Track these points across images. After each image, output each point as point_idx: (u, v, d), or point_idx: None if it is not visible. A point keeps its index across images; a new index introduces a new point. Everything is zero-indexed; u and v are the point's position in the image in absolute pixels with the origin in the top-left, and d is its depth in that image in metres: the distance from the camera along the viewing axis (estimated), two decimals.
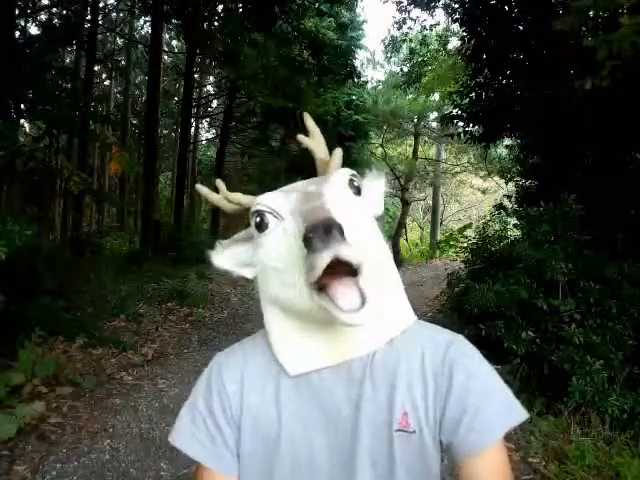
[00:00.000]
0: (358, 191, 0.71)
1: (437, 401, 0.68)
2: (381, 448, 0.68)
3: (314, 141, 0.85)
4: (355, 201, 0.70)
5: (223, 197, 0.82)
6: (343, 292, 0.58)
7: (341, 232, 0.56)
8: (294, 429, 0.71)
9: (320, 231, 0.55)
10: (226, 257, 0.77)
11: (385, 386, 0.69)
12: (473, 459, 0.65)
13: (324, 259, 0.54)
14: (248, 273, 0.76)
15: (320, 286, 0.58)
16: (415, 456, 0.68)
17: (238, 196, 0.79)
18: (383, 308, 0.70)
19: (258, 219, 0.69)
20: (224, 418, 0.74)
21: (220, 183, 0.85)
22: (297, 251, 0.61)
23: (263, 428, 0.72)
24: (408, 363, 0.70)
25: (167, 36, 16.42)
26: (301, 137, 0.85)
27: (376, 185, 0.79)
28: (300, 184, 0.72)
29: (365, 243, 0.64)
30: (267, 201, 0.69)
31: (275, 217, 0.68)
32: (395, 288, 0.75)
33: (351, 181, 0.71)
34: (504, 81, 6.09)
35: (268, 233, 0.68)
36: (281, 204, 0.68)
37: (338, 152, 0.82)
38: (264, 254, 0.69)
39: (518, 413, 0.67)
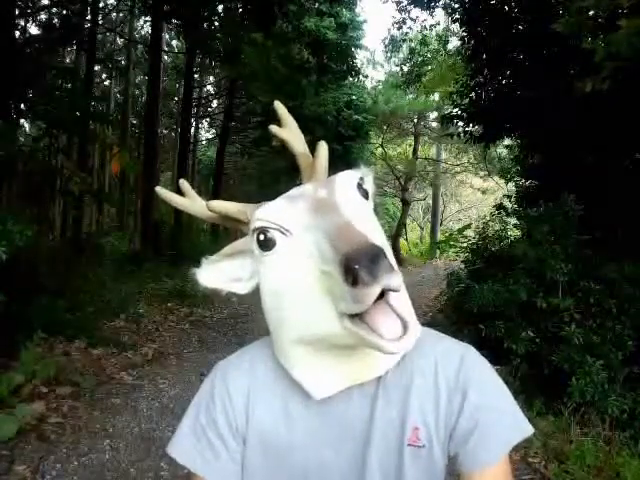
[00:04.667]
0: (366, 194, 0.67)
1: (449, 416, 0.68)
2: (391, 462, 0.68)
3: (289, 132, 0.77)
4: (364, 206, 0.65)
5: (192, 201, 0.76)
6: (384, 319, 0.54)
7: (386, 258, 0.50)
8: (305, 445, 0.70)
9: (365, 262, 0.48)
10: (215, 274, 0.70)
11: (398, 401, 0.69)
12: (479, 472, 0.66)
13: (374, 292, 0.49)
14: (241, 289, 0.71)
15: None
16: (424, 469, 0.68)
17: (224, 204, 0.70)
18: None
19: (262, 237, 0.61)
20: (229, 430, 0.71)
21: (185, 185, 0.78)
22: (314, 272, 0.56)
23: (272, 443, 0.71)
24: (421, 378, 0.70)
25: (167, 36, 16.40)
26: (274, 128, 0.76)
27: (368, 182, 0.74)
28: (303, 189, 0.65)
29: None
30: (271, 215, 0.61)
31: (282, 233, 0.60)
32: (406, 296, 0.69)
33: (359, 184, 0.66)
34: (504, 81, 6.09)
35: (275, 252, 0.61)
36: (288, 218, 0.60)
37: (323, 146, 0.74)
38: (272, 276, 0.63)
39: (525, 429, 0.68)
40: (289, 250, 0.60)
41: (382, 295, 0.52)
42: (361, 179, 0.67)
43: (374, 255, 0.49)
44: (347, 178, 0.65)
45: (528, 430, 0.68)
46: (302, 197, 0.62)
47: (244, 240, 0.71)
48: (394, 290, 0.51)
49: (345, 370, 0.66)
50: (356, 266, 0.48)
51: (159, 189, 0.77)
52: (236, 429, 0.71)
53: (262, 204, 0.66)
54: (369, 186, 0.69)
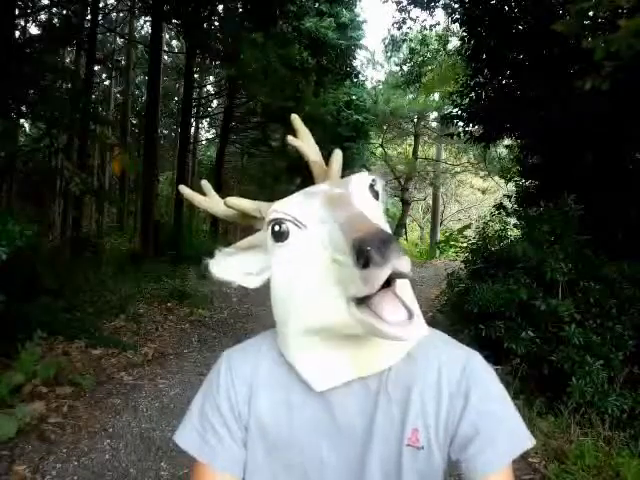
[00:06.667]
0: (377, 195, 0.69)
1: (449, 420, 0.68)
2: (391, 461, 0.69)
3: (304, 143, 0.83)
4: (375, 205, 0.68)
5: (212, 200, 0.80)
6: (389, 305, 0.55)
7: (397, 242, 0.52)
8: (304, 437, 0.70)
9: (377, 244, 0.51)
10: (228, 267, 0.72)
11: (399, 401, 0.69)
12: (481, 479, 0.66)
13: (384, 273, 0.51)
14: (252, 283, 0.72)
15: (359, 300, 0.55)
16: (421, 471, 0.68)
17: (239, 201, 0.73)
18: None
19: (277, 227, 0.64)
20: (233, 418, 0.73)
21: (206, 185, 0.83)
22: (326, 262, 0.58)
23: (271, 435, 0.72)
24: (424, 379, 0.70)
25: (167, 36, 16.42)
26: (291, 138, 0.83)
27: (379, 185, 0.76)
28: (320, 187, 0.68)
29: None
30: (286, 208, 0.65)
31: (296, 225, 0.63)
32: (412, 294, 0.70)
33: (371, 185, 0.68)
34: (504, 81, 6.10)
35: (289, 243, 0.64)
36: (303, 211, 0.63)
37: (338, 154, 0.79)
38: (283, 266, 0.66)
39: (526, 440, 0.68)
40: (302, 242, 0.63)
41: (388, 284, 0.54)
42: (373, 180, 0.69)
43: (385, 239, 0.52)
44: (361, 178, 0.69)
45: (529, 441, 0.68)
46: (318, 194, 0.65)
47: (258, 235, 0.73)
48: (403, 275, 0.53)
49: (348, 361, 0.67)
50: (368, 247, 0.51)
51: (183, 188, 0.81)
52: (239, 415, 0.73)
53: (276, 202, 0.69)
54: (380, 188, 0.71)
